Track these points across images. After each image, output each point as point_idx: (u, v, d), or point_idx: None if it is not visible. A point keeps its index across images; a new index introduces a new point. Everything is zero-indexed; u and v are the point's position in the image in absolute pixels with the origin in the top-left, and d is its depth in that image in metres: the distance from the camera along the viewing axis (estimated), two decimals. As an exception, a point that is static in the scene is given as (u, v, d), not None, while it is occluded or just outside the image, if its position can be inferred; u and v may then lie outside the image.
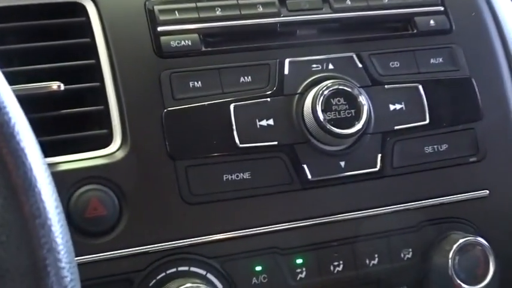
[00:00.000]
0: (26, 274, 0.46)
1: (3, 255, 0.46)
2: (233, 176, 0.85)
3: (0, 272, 0.46)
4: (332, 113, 0.86)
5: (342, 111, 0.87)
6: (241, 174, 0.86)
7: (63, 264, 0.47)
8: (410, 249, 0.91)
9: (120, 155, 0.83)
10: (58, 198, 0.49)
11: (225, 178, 0.85)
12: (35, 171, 0.48)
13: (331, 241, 0.88)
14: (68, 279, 0.47)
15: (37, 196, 0.47)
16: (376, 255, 0.90)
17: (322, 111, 0.86)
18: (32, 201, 0.47)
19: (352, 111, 0.87)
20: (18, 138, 0.48)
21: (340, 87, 0.87)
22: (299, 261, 0.87)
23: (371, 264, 0.90)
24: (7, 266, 0.46)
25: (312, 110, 0.86)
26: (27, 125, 0.49)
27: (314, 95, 0.87)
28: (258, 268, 0.86)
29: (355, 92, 0.87)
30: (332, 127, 0.86)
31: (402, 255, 0.91)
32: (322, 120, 0.86)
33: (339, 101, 0.87)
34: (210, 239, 0.84)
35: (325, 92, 0.86)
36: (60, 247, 0.48)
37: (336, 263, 0.89)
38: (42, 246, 0.47)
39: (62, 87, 0.82)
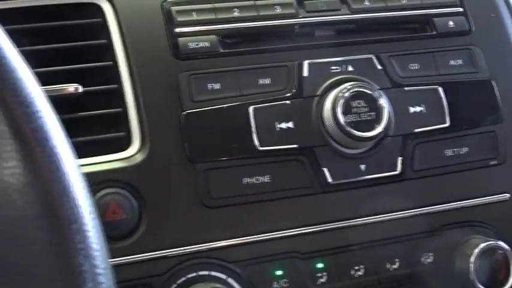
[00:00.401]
0: (62, 281, 0.45)
1: (39, 262, 0.45)
2: (253, 179, 0.84)
3: (36, 279, 0.45)
4: (352, 115, 0.85)
5: (362, 114, 0.85)
6: (261, 177, 0.84)
7: (99, 270, 0.46)
8: (431, 254, 0.90)
9: (139, 158, 0.81)
10: (92, 203, 0.48)
11: (244, 181, 0.84)
12: (70, 176, 0.47)
13: (351, 245, 0.87)
14: (105, 286, 0.46)
15: (72, 201, 0.46)
16: (396, 260, 0.89)
17: (343, 113, 0.85)
18: (67, 206, 0.46)
19: (373, 113, 0.86)
20: (53, 143, 0.47)
21: (361, 89, 0.86)
22: (320, 265, 0.86)
23: (391, 269, 0.89)
24: (43, 271, 0.45)
25: (332, 112, 0.85)
26: (61, 129, 0.48)
27: (334, 98, 0.86)
28: (279, 272, 0.85)
29: (376, 94, 0.86)
30: (352, 130, 0.85)
31: (423, 259, 0.90)
32: (342, 123, 0.85)
33: (359, 103, 0.86)
34: (230, 243, 0.83)
35: (346, 95, 0.85)
36: (97, 253, 0.47)
37: (356, 268, 0.87)
38: (79, 252, 0.46)
39: (81, 89, 0.81)
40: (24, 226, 0.45)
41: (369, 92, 0.86)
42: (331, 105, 0.86)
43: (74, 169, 0.47)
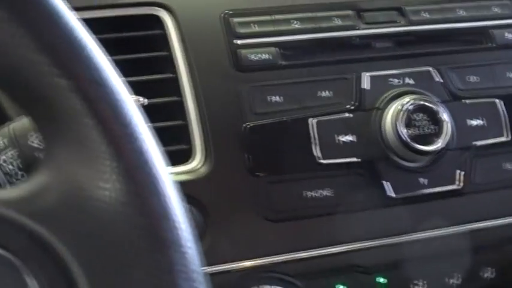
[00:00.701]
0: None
1: (141, 285, 0.45)
2: (313, 193, 0.84)
3: None
4: (413, 129, 0.85)
5: (423, 127, 0.85)
6: (322, 191, 0.84)
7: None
8: (492, 269, 0.89)
9: (203, 171, 0.81)
10: (190, 224, 0.48)
11: (305, 195, 0.84)
12: (170, 197, 0.46)
13: (413, 259, 0.86)
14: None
15: (173, 224, 0.46)
16: (457, 274, 0.88)
17: (404, 127, 0.84)
18: (168, 228, 0.46)
19: (434, 127, 0.85)
20: (152, 163, 0.46)
21: (422, 102, 0.86)
22: (381, 279, 0.86)
23: (452, 283, 0.88)
24: None
25: (393, 125, 0.85)
26: (158, 148, 0.48)
27: (395, 111, 0.85)
28: (340, 287, 0.84)
29: (437, 107, 0.86)
30: (414, 143, 0.84)
31: (484, 274, 0.89)
32: (403, 136, 0.84)
33: (420, 116, 0.85)
34: (292, 257, 0.83)
35: (407, 108, 0.85)
36: (196, 275, 0.46)
37: (417, 282, 0.87)
38: (179, 275, 0.45)
39: (146, 101, 0.81)
40: (125, 249, 0.45)
41: (431, 105, 0.86)
42: (393, 119, 0.85)
43: (172, 190, 0.47)
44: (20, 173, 0.60)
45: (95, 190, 0.45)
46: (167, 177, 0.47)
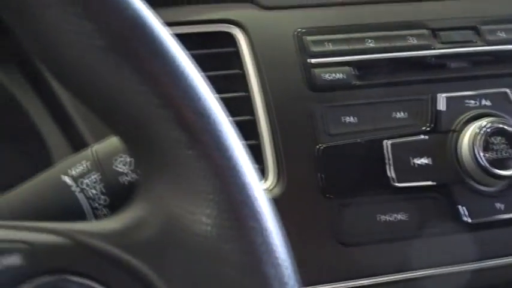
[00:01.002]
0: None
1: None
2: (387, 217, 0.82)
3: None
4: (491, 152, 0.82)
5: (501, 151, 0.83)
6: (396, 214, 0.82)
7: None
8: None
9: (275, 192, 0.80)
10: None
11: (379, 218, 0.82)
12: (273, 232, 0.45)
13: (491, 286, 0.84)
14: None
15: (277, 260, 0.44)
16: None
17: (482, 150, 0.82)
18: (269, 263, 0.44)
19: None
20: (254, 200, 0.45)
21: (500, 125, 0.83)
22: (457, 306, 0.84)
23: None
24: None
25: (470, 149, 0.83)
26: (259, 183, 0.46)
27: (472, 134, 0.83)
28: (414, 313, 0.82)
29: (516, 131, 0.83)
30: (492, 168, 0.82)
31: None
32: (481, 160, 0.82)
33: (498, 140, 0.83)
34: (365, 282, 0.81)
35: (485, 131, 0.82)
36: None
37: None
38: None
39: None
40: (227, 286, 0.44)
41: (509, 128, 0.83)
42: (470, 142, 0.83)
43: (274, 223, 0.45)
44: (103, 197, 0.58)
45: (195, 225, 0.44)
46: (269, 210, 0.46)
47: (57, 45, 0.43)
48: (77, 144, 0.79)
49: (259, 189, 0.45)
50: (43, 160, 0.78)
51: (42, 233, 0.43)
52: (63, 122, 0.81)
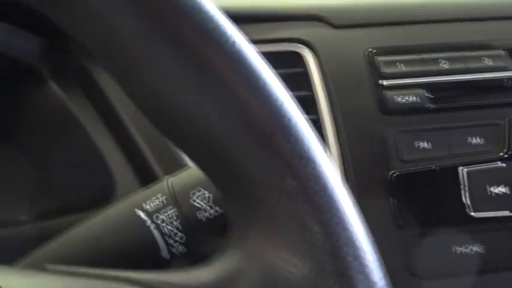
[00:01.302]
0: None
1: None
2: (463, 248, 0.78)
3: None
4: None
5: None
6: (472, 246, 0.78)
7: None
8: None
9: (347, 221, 0.76)
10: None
11: (454, 250, 0.78)
12: (376, 273, 0.41)
13: None
14: None
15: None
16: None
17: None
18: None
19: None
20: (359, 243, 0.41)
21: None
22: None
23: None
24: None
25: (550, 178, 0.78)
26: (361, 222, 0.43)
27: (552, 161, 0.79)
28: None
29: None
30: None
31: None
32: (562, 190, 0.78)
33: None
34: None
35: None
36: None
37: None
38: None
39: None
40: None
41: None
42: (550, 170, 0.79)
43: (377, 262, 0.42)
44: (179, 234, 0.55)
45: (293, 277, 0.40)
46: (371, 248, 0.42)
47: (159, 91, 0.40)
48: (144, 174, 0.76)
49: (361, 230, 0.42)
50: (106, 188, 0.75)
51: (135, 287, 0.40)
52: (130, 151, 0.78)
